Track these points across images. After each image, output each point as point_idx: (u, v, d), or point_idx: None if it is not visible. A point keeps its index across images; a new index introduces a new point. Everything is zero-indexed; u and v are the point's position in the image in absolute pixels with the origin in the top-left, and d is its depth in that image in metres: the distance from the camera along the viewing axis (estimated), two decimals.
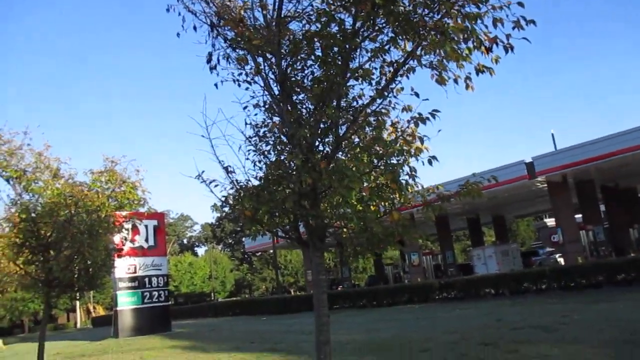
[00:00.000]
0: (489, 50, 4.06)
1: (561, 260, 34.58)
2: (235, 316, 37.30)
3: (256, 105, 4.94)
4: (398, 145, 4.45)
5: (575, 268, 20.11)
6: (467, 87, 4.64)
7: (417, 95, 4.44)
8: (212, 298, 73.08)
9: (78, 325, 65.32)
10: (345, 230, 4.63)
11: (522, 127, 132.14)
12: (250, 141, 4.83)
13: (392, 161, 4.34)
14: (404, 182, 4.39)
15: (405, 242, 4.55)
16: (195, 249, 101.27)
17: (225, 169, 4.81)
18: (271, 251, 56.22)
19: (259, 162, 4.87)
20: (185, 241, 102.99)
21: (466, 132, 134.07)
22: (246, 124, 4.81)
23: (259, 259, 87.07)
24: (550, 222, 54.46)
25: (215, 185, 4.75)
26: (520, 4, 3.86)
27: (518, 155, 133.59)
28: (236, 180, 4.76)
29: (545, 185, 31.93)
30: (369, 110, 4.49)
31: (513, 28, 4.01)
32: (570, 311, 14.15)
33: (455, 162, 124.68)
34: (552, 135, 76.13)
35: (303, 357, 12.03)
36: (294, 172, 4.37)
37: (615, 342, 9.42)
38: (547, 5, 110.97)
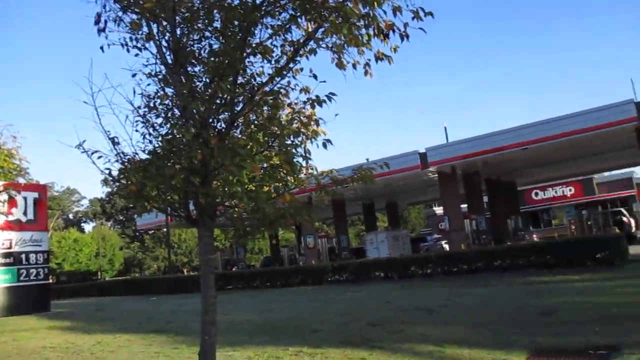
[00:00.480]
0: (386, 36, 4.12)
1: (447, 247, 36.81)
2: (124, 296, 35.90)
3: (150, 75, 4.63)
4: (295, 126, 4.41)
5: (458, 254, 21.50)
6: (366, 73, 4.67)
7: (315, 77, 4.40)
8: (99, 277, 69.71)
9: None
10: (236, 209, 4.51)
11: (420, 118, 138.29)
12: (138, 112, 4.53)
13: (287, 142, 4.28)
14: (298, 164, 4.35)
15: (299, 225, 4.49)
16: (82, 224, 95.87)
17: (112, 139, 4.47)
18: (164, 229, 54.49)
19: (149, 134, 4.59)
20: (71, 216, 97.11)
21: (365, 119, 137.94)
22: (134, 93, 4.49)
23: (151, 237, 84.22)
24: (439, 210, 57.74)
25: (99, 157, 4.41)
26: None
27: (415, 145, 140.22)
28: (122, 153, 4.45)
29: (436, 175, 33.67)
30: (267, 89, 4.38)
31: (412, 18, 4.08)
32: (452, 295, 15.07)
33: (354, 148, 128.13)
34: (445, 128, 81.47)
35: (191, 337, 11.80)
36: (185, 147, 4.16)
37: (488, 323, 10.16)
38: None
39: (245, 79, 4.49)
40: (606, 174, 54.05)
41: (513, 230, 39.78)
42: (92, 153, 4.39)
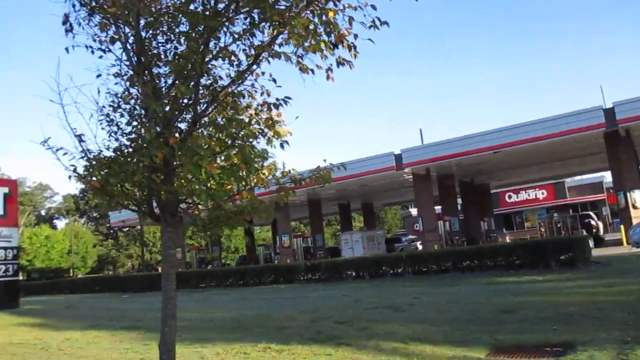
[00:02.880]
0: (334, 46, 4.33)
1: (420, 247, 37.26)
2: (96, 293, 35.57)
3: (116, 75, 4.74)
4: (257, 127, 4.56)
5: (428, 254, 21.83)
6: (327, 77, 4.85)
7: (274, 81, 4.59)
8: (71, 274, 68.72)
9: None
10: (199, 206, 4.66)
11: (395, 120, 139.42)
12: (102, 111, 4.65)
13: (242, 143, 4.43)
14: (255, 163, 4.51)
15: (253, 221, 4.67)
16: (55, 221, 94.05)
17: (78, 137, 4.58)
18: (139, 227, 53.98)
19: (115, 133, 4.71)
20: (43, 212, 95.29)
21: (344, 120, 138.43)
22: (99, 92, 4.60)
23: (125, 235, 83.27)
24: (415, 211, 58.41)
25: (64, 154, 4.52)
26: (374, 7, 4.17)
27: (391, 147, 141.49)
28: (88, 150, 4.56)
29: (411, 176, 34.08)
30: (229, 90, 4.53)
31: (369, 27, 4.28)
32: (421, 293, 15.34)
33: (332, 149, 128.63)
34: (420, 130, 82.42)
35: None
36: (146, 146, 4.30)
37: (454, 321, 10.44)
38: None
39: (208, 82, 4.65)
40: (577, 178, 55.28)
41: (486, 232, 40.50)
42: (57, 150, 4.51)
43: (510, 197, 56.51)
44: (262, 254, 49.32)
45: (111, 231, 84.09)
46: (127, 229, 75.05)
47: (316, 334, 10.46)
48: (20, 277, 35.31)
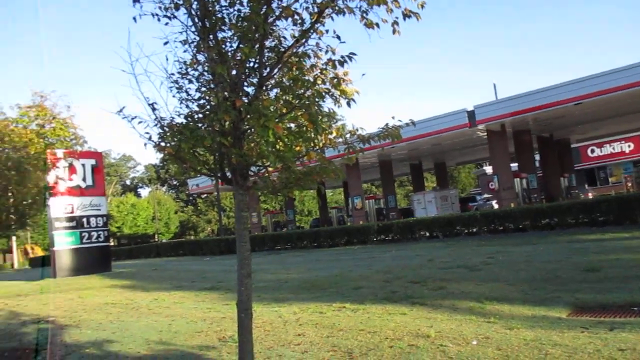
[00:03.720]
0: None
1: (496, 206, 36.19)
2: (179, 257, 37.46)
3: (184, 42, 4.83)
4: (324, 87, 4.51)
5: (504, 213, 21.16)
6: (394, 31, 4.69)
7: (338, 37, 4.49)
8: (156, 239, 72.74)
9: (15, 266, 63.79)
10: (269, 168, 4.73)
11: (466, 77, 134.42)
12: (171, 78, 4.76)
13: (311, 102, 4.40)
14: (322, 123, 4.48)
15: (324, 183, 4.67)
16: (139, 190, 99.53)
17: (151, 105, 4.74)
18: (216, 193, 55.93)
19: (185, 99, 4.83)
20: (128, 182, 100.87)
21: (412, 81, 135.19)
22: (167, 60, 4.70)
23: (203, 201, 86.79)
24: (489, 169, 56.57)
25: (139, 122, 4.70)
26: None
27: (462, 103, 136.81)
28: (161, 118, 4.72)
29: (485, 133, 32.93)
30: (294, 51, 4.50)
31: None
32: (496, 253, 15.00)
33: (401, 109, 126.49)
34: (494, 85, 79.17)
35: None
36: (214, 111, 4.38)
37: (530, 280, 10.16)
38: None
39: (273, 43, 4.63)
40: None
41: (566, 189, 38.67)
42: (132, 119, 4.69)
43: (592, 151, 53.38)
44: (334, 217, 49.84)
45: (190, 198, 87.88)
46: (205, 195, 78.09)
47: (390, 293, 10.51)
48: (111, 243, 37.73)
